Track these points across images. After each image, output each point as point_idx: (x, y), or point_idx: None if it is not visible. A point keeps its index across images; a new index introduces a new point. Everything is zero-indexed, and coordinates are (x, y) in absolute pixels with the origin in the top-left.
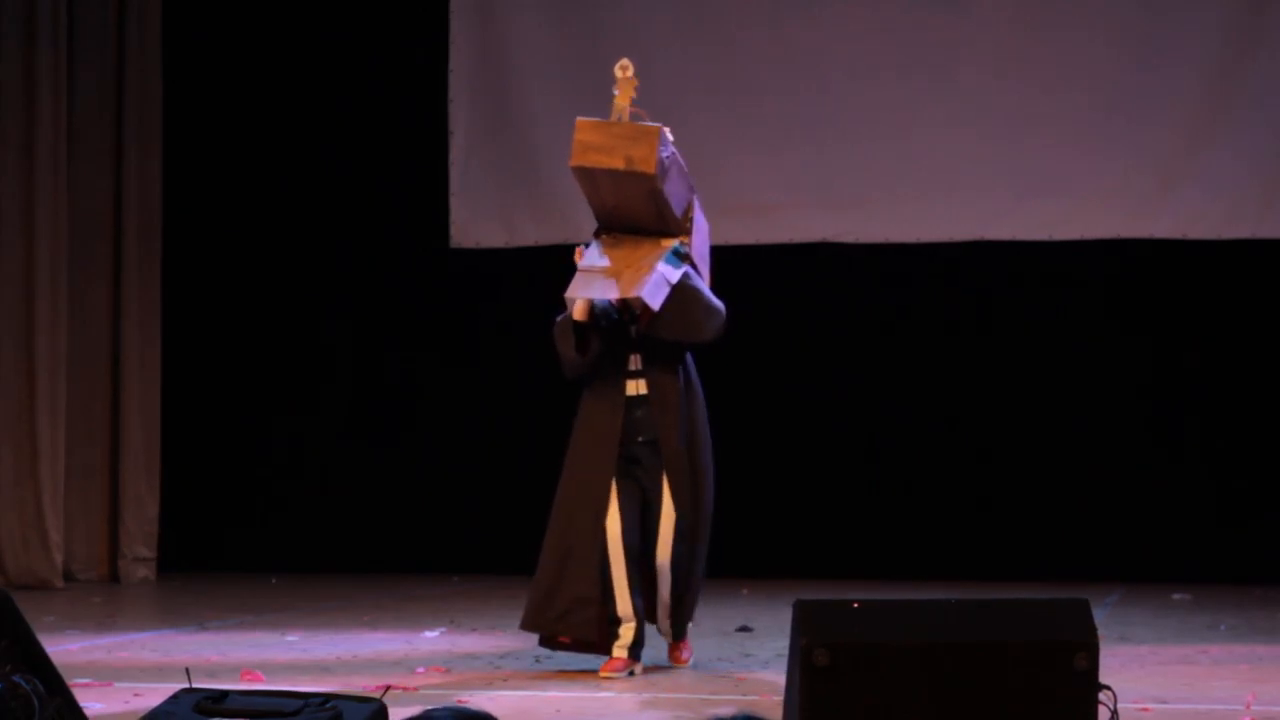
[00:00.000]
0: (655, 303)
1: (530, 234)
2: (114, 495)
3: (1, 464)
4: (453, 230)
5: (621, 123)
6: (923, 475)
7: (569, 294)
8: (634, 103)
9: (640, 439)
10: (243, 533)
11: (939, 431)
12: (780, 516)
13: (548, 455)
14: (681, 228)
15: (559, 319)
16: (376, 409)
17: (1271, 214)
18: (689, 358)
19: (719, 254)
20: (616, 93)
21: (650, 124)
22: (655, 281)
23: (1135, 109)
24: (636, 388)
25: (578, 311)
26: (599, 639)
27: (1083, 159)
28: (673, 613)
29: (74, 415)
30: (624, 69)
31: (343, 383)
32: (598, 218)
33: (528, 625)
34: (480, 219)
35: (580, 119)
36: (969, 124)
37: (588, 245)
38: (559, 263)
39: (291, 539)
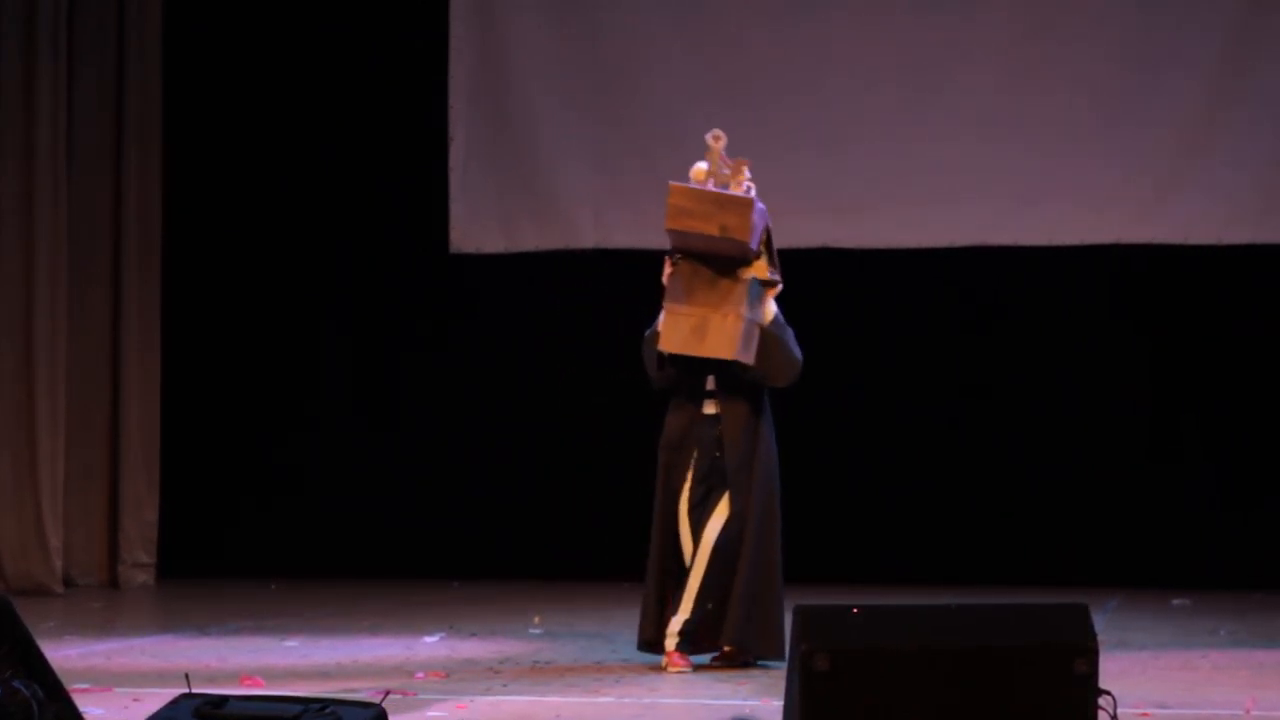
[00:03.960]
0: (749, 358)
1: (530, 239)
2: (113, 500)
3: (0, 468)
4: (452, 235)
5: (713, 190)
6: (923, 480)
7: (662, 346)
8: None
9: (713, 456)
10: (242, 538)
11: (939, 436)
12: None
13: (548, 460)
14: (756, 254)
15: (648, 333)
16: (376, 414)
17: (1271, 218)
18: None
19: None
20: (706, 162)
21: (742, 195)
22: (746, 334)
23: (1135, 114)
24: (712, 407)
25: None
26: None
27: (1083, 164)
28: (690, 613)
29: (73, 419)
30: (717, 139)
31: (343, 387)
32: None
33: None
34: (480, 224)
35: (673, 184)
36: (970, 129)
37: (673, 257)
38: (559, 268)
39: (291, 544)
